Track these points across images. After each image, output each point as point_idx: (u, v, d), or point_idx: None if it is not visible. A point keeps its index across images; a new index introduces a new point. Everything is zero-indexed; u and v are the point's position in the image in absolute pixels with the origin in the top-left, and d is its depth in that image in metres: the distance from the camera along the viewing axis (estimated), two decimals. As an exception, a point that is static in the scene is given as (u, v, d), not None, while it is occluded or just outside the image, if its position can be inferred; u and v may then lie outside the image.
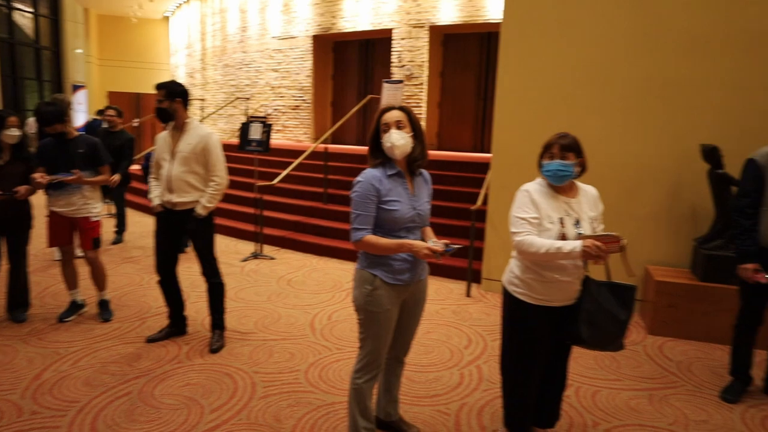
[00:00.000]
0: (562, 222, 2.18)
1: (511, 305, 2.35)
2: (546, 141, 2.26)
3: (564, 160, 2.18)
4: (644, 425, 2.79)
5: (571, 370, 3.23)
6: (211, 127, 12.64)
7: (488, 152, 5.49)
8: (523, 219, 2.20)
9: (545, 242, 2.12)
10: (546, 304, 2.25)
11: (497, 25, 4.94)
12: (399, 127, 2.16)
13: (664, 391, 3.17)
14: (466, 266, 5.03)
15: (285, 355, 3.49)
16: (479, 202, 4.97)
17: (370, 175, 2.18)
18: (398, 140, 2.15)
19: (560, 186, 2.24)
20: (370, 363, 2.31)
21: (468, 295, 4.87)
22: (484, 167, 6.33)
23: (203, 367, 3.28)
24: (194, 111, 13.44)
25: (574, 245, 2.06)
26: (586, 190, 2.32)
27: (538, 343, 2.33)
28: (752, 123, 3.93)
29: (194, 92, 13.76)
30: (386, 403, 2.61)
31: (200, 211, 3.38)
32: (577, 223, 2.20)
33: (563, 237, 2.16)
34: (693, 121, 4.20)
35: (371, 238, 2.15)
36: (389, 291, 2.22)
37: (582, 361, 3.48)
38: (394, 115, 2.18)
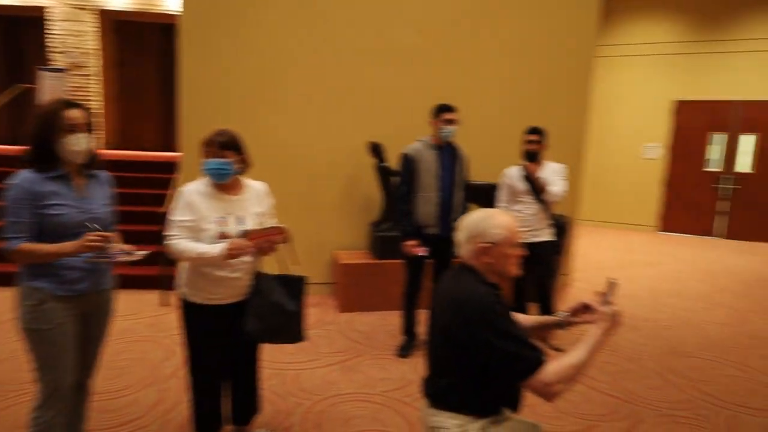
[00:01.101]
0: (223, 221, 2.20)
1: (183, 307, 2.31)
2: (205, 138, 2.23)
3: (222, 158, 2.18)
4: (340, 394, 3.10)
5: (274, 359, 3.36)
6: None
7: (177, 151, 5.20)
8: (176, 223, 2.18)
9: (189, 247, 2.14)
10: (215, 302, 2.26)
11: (177, 17, 4.69)
12: (85, 130, 1.94)
13: (354, 360, 3.57)
14: (158, 274, 4.67)
15: None
16: (168, 204, 4.68)
17: (24, 177, 1.89)
18: (84, 144, 1.94)
19: (223, 184, 2.24)
20: (53, 394, 1.97)
21: (164, 303, 4.54)
22: (172, 167, 5.97)
23: None
24: None
25: (217, 248, 2.11)
26: (253, 186, 2.37)
27: (211, 343, 2.32)
28: (407, 122, 4.72)
29: None
30: (69, 442, 2.22)
31: None
32: (241, 220, 2.24)
33: (224, 236, 2.18)
34: (363, 121, 4.83)
35: (28, 246, 1.86)
36: (60, 304, 1.94)
37: (283, 348, 3.62)
38: (78, 115, 1.93)
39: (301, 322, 2.34)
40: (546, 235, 3.88)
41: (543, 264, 3.93)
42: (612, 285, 1.72)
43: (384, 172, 4.57)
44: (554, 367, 1.55)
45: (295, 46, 4.67)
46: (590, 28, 5.16)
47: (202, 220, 2.16)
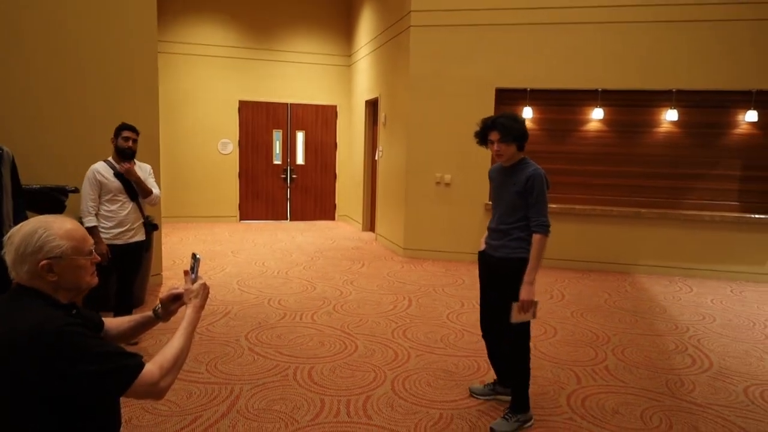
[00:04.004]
0: None
1: None
2: None
3: None
4: None
5: None
6: None
7: None
8: None
9: None
10: None
11: None
12: None
13: None
14: None
15: None
16: None
17: None
18: None
19: None
20: None
21: None
22: None
23: None
24: None
25: None
26: None
27: None
28: None
29: None
30: None
31: None
32: None
33: None
34: None
35: None
36: None
37: None
38: None
39: None
40: (141, 235, 3.78)
41: (137, 264, 3.81)
42: (196, 260, 1.78)
43: None
44: (155, 362, 1.48)
45: None
46: (150, 23, 5.06)
47: None
